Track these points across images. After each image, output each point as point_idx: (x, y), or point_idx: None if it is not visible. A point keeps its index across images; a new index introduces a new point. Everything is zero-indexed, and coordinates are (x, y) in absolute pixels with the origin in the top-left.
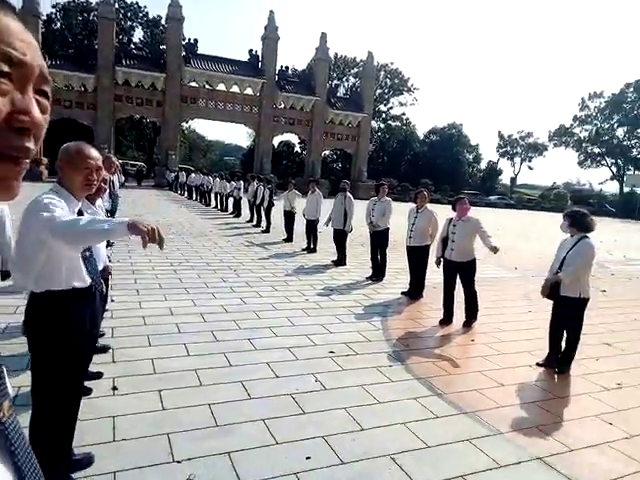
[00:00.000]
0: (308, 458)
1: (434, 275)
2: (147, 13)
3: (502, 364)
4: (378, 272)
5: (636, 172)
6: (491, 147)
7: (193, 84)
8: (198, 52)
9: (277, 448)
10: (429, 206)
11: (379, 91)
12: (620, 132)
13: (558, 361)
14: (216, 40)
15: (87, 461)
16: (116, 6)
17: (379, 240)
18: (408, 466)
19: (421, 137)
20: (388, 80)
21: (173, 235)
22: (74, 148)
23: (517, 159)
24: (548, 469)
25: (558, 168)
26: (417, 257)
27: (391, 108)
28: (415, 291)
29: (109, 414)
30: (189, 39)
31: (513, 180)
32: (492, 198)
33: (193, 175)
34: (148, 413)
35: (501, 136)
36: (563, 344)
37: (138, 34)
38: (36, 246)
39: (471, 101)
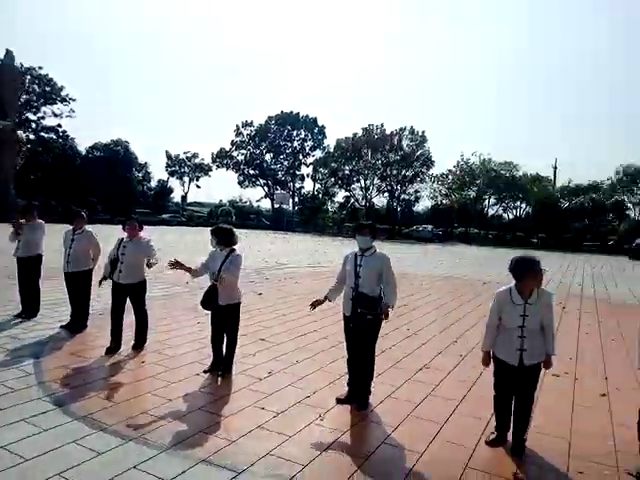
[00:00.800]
0: None
1: (95, 302)
2: None
3: (172, 379)
4: (30, 307)
5: (282, 191)
6: (161, 166)
7: None
8: None
9: None
10: (89, 227)
11: (26, 97)
12: (268, 157)
13: (221, 364)
14: None
15: None
16: None
17: (29, 269)
18: None
19: (83, 152)
20: (36, 86)
21: None
22: None
23: (186, 178)
24: (212, 468)
25: (224, 186)
26: (77, 284)
27: (43, 118)
28: (78, 322)
29: None
30: None
31: (184, 198)
32: (165, 216)
33: None
34: None
35: (169, 156)
36: (224, 348)
37: None
38: None
39: (131, 118)
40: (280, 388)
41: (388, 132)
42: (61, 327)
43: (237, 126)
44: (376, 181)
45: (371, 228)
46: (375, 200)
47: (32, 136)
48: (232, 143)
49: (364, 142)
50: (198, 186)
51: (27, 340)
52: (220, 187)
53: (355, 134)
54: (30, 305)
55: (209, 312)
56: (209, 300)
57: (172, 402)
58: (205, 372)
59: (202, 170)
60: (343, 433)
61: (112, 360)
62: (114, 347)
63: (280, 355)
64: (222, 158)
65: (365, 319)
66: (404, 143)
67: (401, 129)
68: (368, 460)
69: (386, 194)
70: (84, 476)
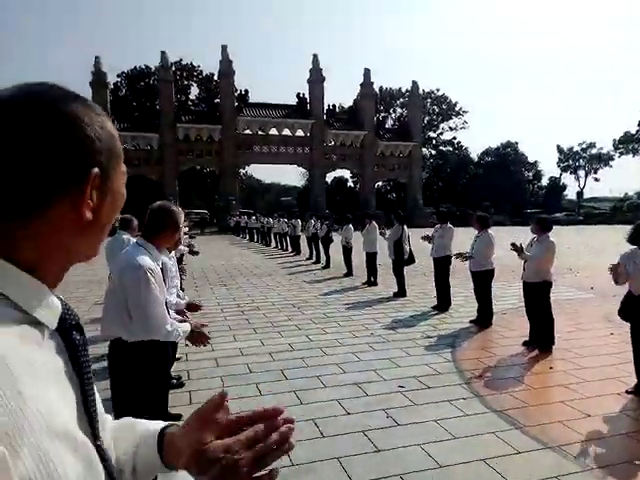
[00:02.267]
0: None
1: (502, 301)
2: (201, 71)
3: (586, 393)
4: (443, 301)
5: None
6: (552, 162)
7: (247, 131)
8: (249, 101)
9: None
10: (490, 230)
11: (427, 118)
12: None
13: None
14: (265, 87)
15: None
16: (173, 68)
17: (440, 268)
18: None
19: (475, 159)
20: (436, 107)
21: (238, 277)
22: (177, 211)
23: (581, 172)
24: None
25: (629, 177)
26: (480, 282)
27: (441, 134)
28: (483, 318)
29: None
30: (240, 90)
31: (579, 194)
32: (558, 215)
33: (253, 218)
34: None
35: (560, 150)
36: None
37: (194, 91)
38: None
39: (525, 118)
40: None
41: None
42: (470, 322)
43: None
44: None
45: None
46: None
47: (433, 151)
48: None
49: None
50: (596, 179)
51: (443, 330)
52: (624, 178)
53: None
54: (442, 300)
55: (628, 324)
56: (630, 310)
57: (590, 418)
58: (628, 392)
59: (601, 160)
60: None
61: (519, 360)
62: (529, 341)
63: None
64: (627, 143)
65: None
66: None
67: None
68: None
69: None
70: (506, 470)
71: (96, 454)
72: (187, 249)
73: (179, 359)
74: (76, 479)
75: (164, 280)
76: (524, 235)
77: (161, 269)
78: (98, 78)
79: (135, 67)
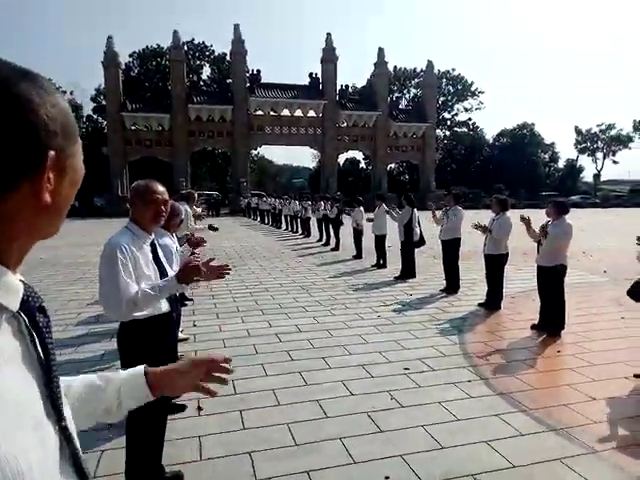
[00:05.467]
0: (387, 478)
1: (512, 284)
2: (213, 51)
3: (594, 376)
4: (452, 284)
5: None
6: (569, 144)
7: (259, 112)
8: (262, 82)
9: (355, 467)
10: (508, 213)
11: (442, 99)
12: None
13: None
14: (278, 67)
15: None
16: (185, 48)
17: (450, 251)
18: None
19: (490, 141)
20: (451, 87)
21: (249, 259)
22: (142, 185)
23: (599, 154)
24: None
25: None
26: (493, 266)
27: (456, 115)
28: (493, 302)
29: (195, 434)
30: (252, 70)
31: (597, 177)
32: (574, 198)
33: (264, 200)
34: (231, 432)
35: (578, 131)
36: None
37: (206, 71)
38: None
39: (543, 98)
40: None
41: None
42: (478, 305)
43: None
44: None
45: None
46: None
47: (447, 132)
48: None
49: None
50: (615, 161)
51: (451, 313)
52: None
53: None
54: (451, 283)
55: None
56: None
57: (597, 402)
58: (636, 376)
59: (620, 142)
60: None
61: (527, 343)
62: (538, 324)
63: None
64: None
65: None
66: None
67: None
68: None
69: None
70: (507, 451)
71: (58, 436)
72: (204, 226)
73: (187, 339)
74: (37, 462)
75: (156, 261)
76: (539, 217)
77: (153, 250)
78: (110, 58)
79: (147, 47)
